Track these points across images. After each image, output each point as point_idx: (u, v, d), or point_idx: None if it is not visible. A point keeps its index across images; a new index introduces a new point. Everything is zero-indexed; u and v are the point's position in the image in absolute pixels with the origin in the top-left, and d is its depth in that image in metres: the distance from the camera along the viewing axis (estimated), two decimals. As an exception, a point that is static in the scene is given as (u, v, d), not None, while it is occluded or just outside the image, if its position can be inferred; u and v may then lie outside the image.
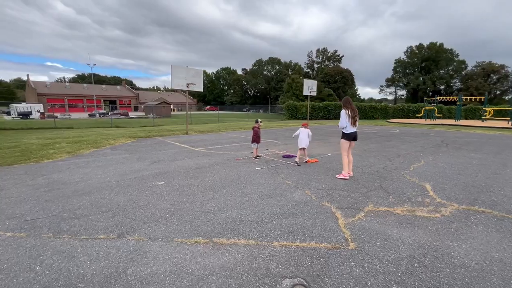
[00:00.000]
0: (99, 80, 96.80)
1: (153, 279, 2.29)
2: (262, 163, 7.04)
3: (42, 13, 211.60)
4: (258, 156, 7.64)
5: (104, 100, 69.33)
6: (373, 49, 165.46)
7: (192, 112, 33.75)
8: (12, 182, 5.20)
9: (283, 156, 7.93)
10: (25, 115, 39.84)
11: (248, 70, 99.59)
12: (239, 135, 13.96)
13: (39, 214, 3.63)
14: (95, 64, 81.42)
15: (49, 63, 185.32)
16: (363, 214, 3.70)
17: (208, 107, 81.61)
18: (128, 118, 41.11)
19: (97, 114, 46.53)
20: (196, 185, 5.02)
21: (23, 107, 42.77)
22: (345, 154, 5.56)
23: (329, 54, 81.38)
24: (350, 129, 5.42)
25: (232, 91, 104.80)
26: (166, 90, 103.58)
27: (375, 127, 20.34)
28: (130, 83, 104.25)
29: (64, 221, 3.43)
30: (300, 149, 6.94)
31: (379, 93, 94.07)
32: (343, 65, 77.34)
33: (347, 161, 5.58)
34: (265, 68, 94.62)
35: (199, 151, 8.93)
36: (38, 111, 42.69)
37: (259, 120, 7.76)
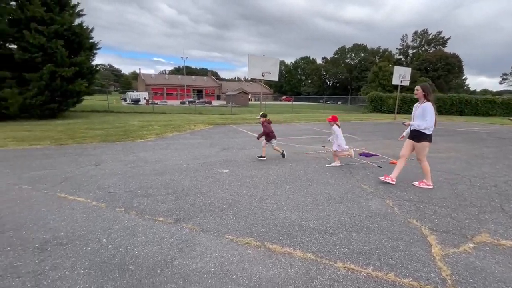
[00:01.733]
0: (190, 72, 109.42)
1: (196, 278, 2.11)
2: (333, 160, 6.27)
3: (152, 15, 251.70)
4: (262, 156, 6.14)
5: (193, 90, 78.11)
6: (495, 28, 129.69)
7: (267, 102, 34.24)
8: (111, 157, 6.14)
9: (360, 154, 6.90)
10: (135, 101, 48.63)
11: (328, 58, 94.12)
12: (312, 127, 13.16)
13: (120, 188, 4.07)
14: (187, 57, 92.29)
15: (155, 58, 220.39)
16: (472, 246, 2.68)
17: (283, 97, 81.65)
18: (211, 106, 45.08)
19: (186, 102, 52.81)
20: (259, 177, 4.78)
21: (134, 94, 52.23)
22: (425, 159, 4.37)
23: (429, 37, 68.28)
24: (433, 129, 4.18)
25: (309, 81, 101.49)
26: (246, 80, 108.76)
27: (492, 127, 15.92)
28: (215, 74, 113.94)
29: (136, 197, 3.72)
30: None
31: (500, 83, 73.34)
32: (449, 49, 63.62)
33: (429, 167, 4.40)
34: (348, 56, 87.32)
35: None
36: (145, 98, 51.53)
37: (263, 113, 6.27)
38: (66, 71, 13.30)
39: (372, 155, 6.88)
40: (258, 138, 6.22)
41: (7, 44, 12.91)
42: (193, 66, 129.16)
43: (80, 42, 14.85)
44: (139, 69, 79.03)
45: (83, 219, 3.07)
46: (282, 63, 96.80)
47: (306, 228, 2.97)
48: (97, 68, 17.25)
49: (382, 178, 4.58)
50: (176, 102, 54.45)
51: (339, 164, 5.69)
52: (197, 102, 43.80)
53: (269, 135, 6.00)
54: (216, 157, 6.28)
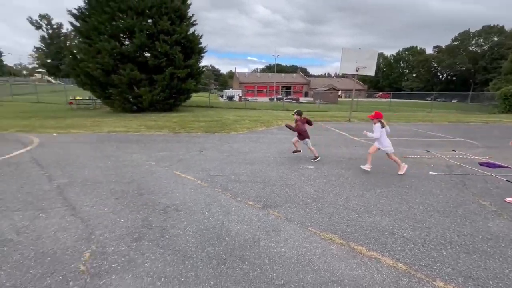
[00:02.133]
0: (280, 69, 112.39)
1: (280, 260, 2.29)
2: (440, 167, 5.32)
3: (249, 17, 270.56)
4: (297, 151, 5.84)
5: (282, 87, 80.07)
6: None
7: (359, 99, 31.54)
8: (211, 145, 7.14)
9: (482, 164, 5.58)
10: (230, 98, 53.89)
11: (443, 47, 78.15)
12: (413, 128, 11.42)
13: (218, 172, 4.72)
14: (278, 55, 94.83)
15: (248, 58, 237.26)
16: None
17: (379, 94, 73.20)
18: (298, 103, 45.27)
19: (275, 99, 54.77)
20: (346, 177, 4.59)
21: (229, 92, 57.88)
22: None
23: None
24: None
25: (414, 75, 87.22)
26: (337, 76, 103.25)
27: None
28: (304, 71, 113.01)
29: (230, 182, 4.24)
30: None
31: None
32: None
33: None
34: (473, 42, 70.08)
35: (357, 141, 8.16)
36: (238, 95, 56.51)
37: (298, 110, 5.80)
38: (181, 72, 16.11)
39: (500, 166, 5.44)
40: (286, 126, 5.96)
41: (144, 53, 16.63)
42: (283, 64, 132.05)
43: (192, 48, 17.61)
44: (235, 68, 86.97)
45: (191, 193, 3.75)
46: (380, 55, 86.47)
47: (399, 237, 2.70)
48: (203, 69, 20.03)
49: (510, 199, 3.60)
50: (265, 99, 57.13)
51: (369, 169, 4.83)
52: (285, 99, 44.75)
53: (301, 134, 5.69)
54: (301, 152, 6.37)
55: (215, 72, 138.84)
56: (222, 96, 62.72)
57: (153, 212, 3.15)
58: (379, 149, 4.78)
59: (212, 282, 2.01)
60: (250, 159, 5.73)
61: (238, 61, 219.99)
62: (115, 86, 15.48)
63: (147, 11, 15.56)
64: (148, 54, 16.69)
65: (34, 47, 62.03)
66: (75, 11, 15.97)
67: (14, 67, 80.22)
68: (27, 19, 59.45)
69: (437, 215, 3.21)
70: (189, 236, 2.64)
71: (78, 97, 20.44)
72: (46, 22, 55.49)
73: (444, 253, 2.44)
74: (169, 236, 2.63)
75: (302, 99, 58.81)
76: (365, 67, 13.10)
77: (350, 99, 21.21)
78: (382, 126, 4.66)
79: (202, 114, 16.50)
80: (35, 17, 54.83)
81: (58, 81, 54.19)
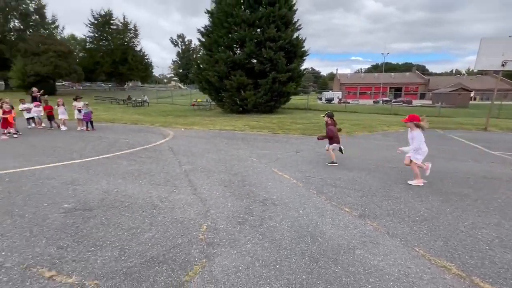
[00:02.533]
0: (390, 68, 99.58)
1: (377, 274, 2.15)
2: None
3: (356, 14, 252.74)
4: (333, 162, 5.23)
5: (390, 88, 70.80)
6: None
7: (502, 102, 23.97)
8: (308, 147, 7.23)
9: None
10: (329, 100, 52.13)
11: None
12: None
13: (313, 174, 4.77)
14: (388, 53, 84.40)
15: (352, 58, 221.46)
16: None
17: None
18: (410, 106, 38.89)
19: (380, 101, 49.06)
20: (474, 199, 3.72)
21: (329, 94, 56.04)
22: None
23: None
24: None
25: None
26: (469, 73, 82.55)
27: None
28: (422, 69, 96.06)
29: (326, 186, 4.21)
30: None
31: None
32: None
33: None
34: None
35: (497, 156, 6.37)
36: (338, 97, 53.97)
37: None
38: (283, 76, 16.91)
39: None
40: (318, 139, 5.64)
41: (252, 60, 18.39)
42: (393, 62, 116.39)
43: (295, 52, 18.15)
44: (336, 69, 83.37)
45: (287, 191, 3.97)
46: (547, 42, 62.68)
47: (557, 288, 2.01)
48: (304, 72, 20.28)
49: None
50: (369, 101, 52.13)
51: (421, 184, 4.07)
52: (393, 102, 39.37)
53: (332, 139, 5.27)
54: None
55: (315, 74, 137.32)
56: (320, 99, 61.47)
57: (254, 202, 3.54)
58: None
59: (304, 276, 2.11)
60: (348, 164, 5.46)
61: (340, 62, 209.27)
62: (227, 90, 17.84)
63: (257, 21, 17.13)
64: (255, 61, 18.37)
65: (172, 60, 79.76)
66: (201, 29, 19.41)
67: (159, 77, 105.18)
68: (169, 39, 77.21)
69: None
70: (284, 230, 2.83)
71: (199, 100, 24.78)
72: (181, 40, 69.92)
73: None
74: (267, 226, 2.91)
75: (416, 102, 50.21)
76: (517, 60, 9.99)
77: (489, 102, 16.66)
78: (422, 130, 4.08)
79: (300, 116, 16.78)
80: (175, 37, 70.08)
81: (186, 87, 67.19)
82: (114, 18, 44.35)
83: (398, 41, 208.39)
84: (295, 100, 26.43)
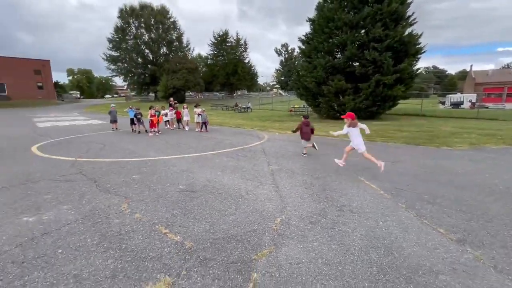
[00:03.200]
0: None
1: (461, 306, 1.84)
2: None
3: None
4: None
5: None
6: None
7: None
8: (409, 158, 6.35)
9: None
10: (456, 104, 42.09)
11: None
12: None
13: (407, 188, 4.22)
14: None
15: (499, 49, 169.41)
16: None
17: None
18: None
19: (545, 105, 35.51)
20: None
21: (456, 97, 45.36)
22: None
23: None
24: None
25: None
26: None
27: None
28: None
29: (420, 201, 3.68)
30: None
31: None
32: None
33: None
34: None
35: None
36: (470, 100, 42.81)
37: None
38: (388, 78, 15.17)
39: None
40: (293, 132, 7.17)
41: (352, 63, 17.41)
42: None
43: (406, 50, 15.94)
44: (470, 66, 65.94)
45: (370, 200, 3.73)
46: None
47: None
48: (417, 72, 17.45)
49: None
50: (520, 106, 38.98)
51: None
52: None
53: (301, 135, 6.78)
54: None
55: (438, 74, 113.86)
56: (443, 103, 50.81)
57: (331, 206, 3.55)
58: (353, 148, 5.13)
59: (366, 284, 2.06)
60: (461, 181, 4.50)
61: (479, 56, 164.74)
62: (324, 95, 17.61)
63: (361, 22, 16.12)
64: (357, 64, 17.31)
65: (275, 69, 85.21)
66: (302, 37, 19.96)
67: (263, 85, 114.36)
68: (274, 49, 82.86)
69: None
70: (356, 237, 2.76)
71: (296, 106, 25.45)
72: (284, 49, 73.58)
73: None
74: (338, 230, 2.91)
75: None
76: None
77: None
78: (349, 126, 5.16)
79: (408, 123, 14.59)
80: (279, 47, 74.60)
81: (286, 94, 70.09)
82: (229, 36, 51.69)
83: None
84: (404, 105, 23.16)
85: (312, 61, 17.96)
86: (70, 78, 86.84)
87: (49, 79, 45.97)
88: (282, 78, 74.38)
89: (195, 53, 64.91)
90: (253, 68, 54.28)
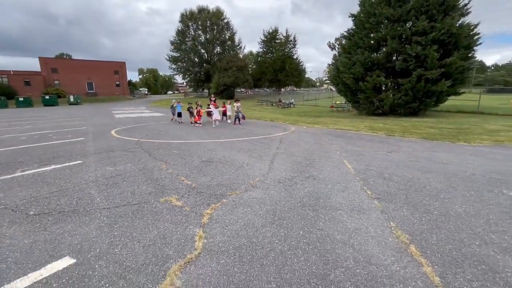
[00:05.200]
0: None
1: (358, 235, 2.97)
2: None
3: None
4: None
5: None
6: None
7: None
8: (412, 150, 6.85)
9: None
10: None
11: None
12: None
13: (376, 169, 5.07)
14: None
15: None
16: None
17: None
18: None
19: None
20: None
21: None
22: None
23: None
24: None
25: None
26: None
27: None
28: None
29: (377, 178, 4.56)
30: None
31: None
32: None
33: None
34: None
35: None
36: None
37: None
38: (432, 73, 14.51)
39: None
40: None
41: (393, 58, 16.93)
42: None
43: (456, 43, 14.90)
44: None
45: (337, 174, 4.77)
46: None
47: None
48: (470, 66, 16.00)
49: None
50: None
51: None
52: None
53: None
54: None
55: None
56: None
57: (301, 175, 4.73)
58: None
59: (286, 209, 3.32)
60: (433, 168, 5.10)
61: None
62: (363, 91, 17.61)
63: (405, 15, 15.63)
64: (400, 58, 16.81)
65: (328, 64, 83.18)
66: (345, 33, 20.04)
67: (315, 80, 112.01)
68: (327, 43, 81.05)
69: None
70: (302, 191, 3.95)
71: (338, 102, 25.40)
72: (338, 43, 71.37)
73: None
74: (294, 187, 4.14)
75: None
76: None
77: None
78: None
79: (454, 120, 13.81)
80: (333, 40, 72.64)
81: (334, 89, 68.27)
82: (278, 34, 52.81)
83: None
84: (460, 101, 21.05)
85: (352, 57, 18.06)
86: (140, 76, 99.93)
87: (124, 78, 54.37)
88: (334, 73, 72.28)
89: (246, 50, 67.80)
90: (301, 64, 54.43)
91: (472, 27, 15.27)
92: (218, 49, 53.17)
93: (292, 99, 31.72)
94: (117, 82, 52.41)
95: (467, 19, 15.44)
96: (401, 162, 5.58)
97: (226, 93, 42.42)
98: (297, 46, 54.13)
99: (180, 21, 50.30)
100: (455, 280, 2.05)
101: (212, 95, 17.35)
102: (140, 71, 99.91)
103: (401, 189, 3.99)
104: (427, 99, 15.83)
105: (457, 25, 14.88)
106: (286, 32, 53.49)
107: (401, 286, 1.99)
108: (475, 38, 15.42)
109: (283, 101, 31.46)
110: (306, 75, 74.98)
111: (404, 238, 2.63)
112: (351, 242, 2.59)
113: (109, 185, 4.28)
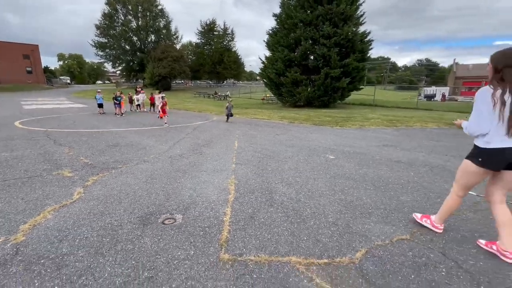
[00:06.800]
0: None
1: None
2: None
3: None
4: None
5: (537, 82, 52.74)
6: None
7: None
8: (294, 134, 8.61)
9: None
10: (429, 97, 44.48)
11: None
12: None
13: (257, 145, 6.50)
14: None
15: (497, 42, 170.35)
16: None
17: None
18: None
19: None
20: (343, 169, 4.71)
21: (430, 90, 47.75)
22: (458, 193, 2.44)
23: None
24: (500, 141, 2.05)
25: None
26: None
27: None
28: None
29: (250, 153, 5.96)
30: None
31: None
32: None
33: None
34: None
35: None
36: (443, 94, 45.19)
37: None
38: (335, 72, 17.34)
39: None
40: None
41: (307, 57, 19.46)
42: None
43: (353, 47, 18.04)
44: (454, 60, 68.07)
45: (221, 149, 6.00)
46: None
47: (271, 197, 3.46)
48: (363, 66, 19.51)
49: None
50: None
51: None
52: None
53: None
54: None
55: (430, 67, 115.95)
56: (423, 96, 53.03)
57: (187, 148, 5.81)
58: None
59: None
60: (294, 143, 6.79)
61: (476, 50, 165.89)
62: (284, 85, 19.75)
63: (314, 20, 18.09)
64: (312, 57, 19.40)
65: (265, 56, 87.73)
66: (269, 31, 21.86)
67: (257, 73, 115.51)
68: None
69: (343, 204, 3.25)
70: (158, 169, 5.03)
71: (268, 95, 27.53)
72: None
73: (277, 212, 3.06)
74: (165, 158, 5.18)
75: None
76: None
77: None
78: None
79: (351, 111, 16.87)
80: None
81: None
82: (216, 26, 52.87)
83: None
84: (361, 96, 25.19)
85: (275, 54, 19.98)
86: (61, 63, 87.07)
87: (38, 64, 47.12)
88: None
89: (186, 40, 65.58)
90: (240, 57, 55.78)
91: (365, 35, 18.65)
92: (152, 37, 50.35)
93: (228, 92, 32.79)
94: (28, 68, 45.16)
95: (364, 28, 18.75)
96: (279, 141, 7.17)
97: (161, 84, 40.89)
98: (235, 40, 55.24)
99: (107, 3, 45.78)
100: (243, 196, 3.36)
101: (138, 86, 17.11)
102: (61, 57, 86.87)
103: (261, 158, 5.41)
104: (334, 94, 18.81)
105: (352, 32, 18.01)
106: (224, 25, 54.03)
107: (212, 203, 3.19)
108: (367, 44, 18.92)
109: (219, 94, 32.29)
110: (250, 69, 76.99)
111: (232, 184, 3.92)
112: (195, 187, 3.75)
113: (1, 167, 4.59)
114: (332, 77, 17.67)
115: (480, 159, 2.17)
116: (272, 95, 27.14)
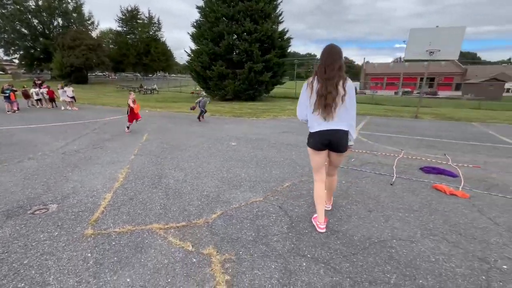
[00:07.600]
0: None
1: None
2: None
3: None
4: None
5: (421, 78, 66.06)
6: None
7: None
8: (210, 124, 9.00)
9: (424, 170, 4.46)
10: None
11: None
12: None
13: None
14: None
15: (397, 45, 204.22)
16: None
17: None
18: (434, 97, 36.91)
19: (400, 92, 46.82)
20: (238, 153, 5.32)
21: (345, 84, 54.60)
22: (318, 176, 2.60)
23: None
24: (317, 125, 2.39)
25: None
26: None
27: None
28: (473, 57, 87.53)
29: (164, 143, 6.10)
30: None
31: None
32: None
33: (320, 192, 2.56)
34: None
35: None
36: (355, 88, 52.39)
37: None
38: (257, 66, 18.36)
39: (451, 174, 4.18)
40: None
41: (231, 51, 20.01)
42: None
43: (273, 43, 19.36)
44: (364, 59, 79.69)
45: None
46: None
47: (159, 181, 3.77)
48: (281, 61, 21.18)
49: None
50: (390, 93, 50.16)
51: None
52: (416, 93, 37.62)
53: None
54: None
55: (348, 64, 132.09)
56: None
57: (98, 144, 5.60)
58: None
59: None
60: (204, 133, 7.21)
61: (383, 51, 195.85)
62: (211, 79, 19.86)
63: (236, 15, 18.65)
64: (235, 52, 20.00)
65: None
66: (194, 23, 21.49)
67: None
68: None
69: (223, 181, 3.80)
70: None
71: (197, 88, 27.18)
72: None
73: (159, 192, 3.39)
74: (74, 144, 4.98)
75: (445, 93, 46.71)
76: (439, 50, 10.43)
77: None
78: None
79: (273, 104, 18.14)
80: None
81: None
82: (140, 13, 48.68)
83: (455, 25, 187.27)
84: (285, 89, 27.21)
85: (200, 47, 19.84)
86: None
87: None
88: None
89: (105, 26, 58.36)
90: (169, 48, 52.90)
91: (284, 33, 20.20)
92: (59, 21, 43.18)
93: (155, 85, 31.01)
94: None
95: (283, 27, 20.22)
96: (192, 132, 7.44)
97: (75, 76, 35.79)
98: (163, 30, 52.04)
99: (-10, -25, 36.95)
100: (130, 183, 3.58)
101: (36, 78, 14.81)
102: None
103: (165, 148, 5.62)
104: (259, 87, 19.91)
105: (279, 30, 19.31)
106: (149, 13, 50.17)
107: (94, 191, 3.30)
108: (286, 41, 20.56)
109: (145, 87, 30.27)
110: (182, 61, 73.56)
111: (123, 173, 4.07)
112: (83, 179, 3.77)
113: None
114: (256, 71, 18.66)
115: (313, 142, 2.47)
116: (202, 89, 26.95)
